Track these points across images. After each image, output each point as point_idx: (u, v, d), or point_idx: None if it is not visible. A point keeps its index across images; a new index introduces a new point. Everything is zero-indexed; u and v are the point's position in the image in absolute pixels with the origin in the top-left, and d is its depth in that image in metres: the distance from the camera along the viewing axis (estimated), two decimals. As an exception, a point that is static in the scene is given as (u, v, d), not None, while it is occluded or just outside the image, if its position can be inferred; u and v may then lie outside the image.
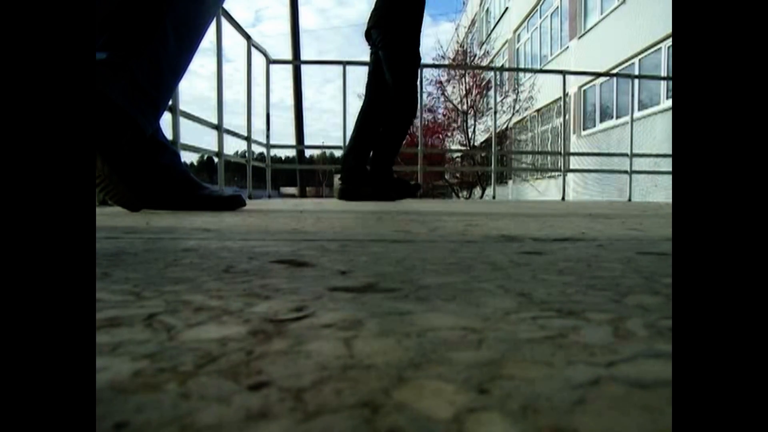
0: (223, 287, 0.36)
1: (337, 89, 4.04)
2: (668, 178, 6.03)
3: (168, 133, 2.25)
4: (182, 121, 2.56)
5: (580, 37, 10.67)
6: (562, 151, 4.96)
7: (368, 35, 2.80)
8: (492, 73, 5.32)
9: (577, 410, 0.17)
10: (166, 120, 2.42)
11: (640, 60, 8.44)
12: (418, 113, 3.39)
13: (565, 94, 4.78)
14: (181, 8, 1.35)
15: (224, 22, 3.00)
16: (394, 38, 2.67)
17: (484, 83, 12.81)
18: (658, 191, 6.69)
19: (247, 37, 3.61)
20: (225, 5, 2.74)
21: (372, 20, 2.74)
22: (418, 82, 2.93)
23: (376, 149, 2.84)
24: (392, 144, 2.83)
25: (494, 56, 15.77)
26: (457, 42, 15.48)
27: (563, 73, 4.61)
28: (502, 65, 14.67)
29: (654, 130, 7.27)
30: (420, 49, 2.78)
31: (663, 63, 7.78)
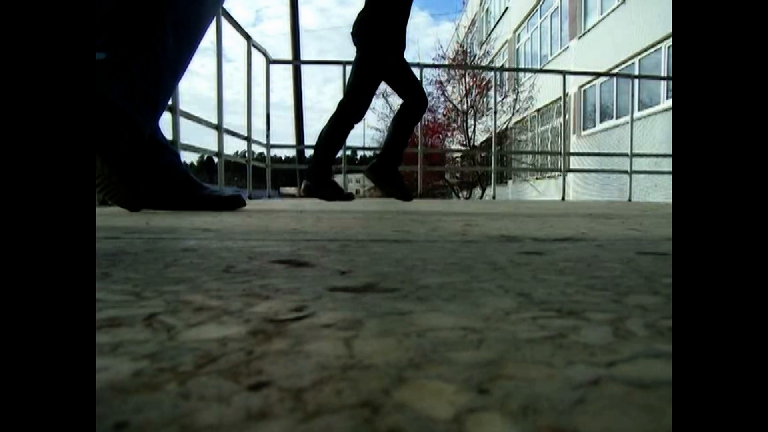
0: (223, 287, 0.36)
1: (338, 89, 4.05)
2: (668, 178, 6.03)
3: (168, 133, 2.25)
4: (182, 121, 2.56)
5: (580, 37, 10.66)
6: (562, 151, 4.96)
7: (353, 36, 2.78)
8: (492, 73, 5.32)
9: (577, 410, 0.17)
10: (166, 120, 2.42)
11: (640, 60, 8.44)
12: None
13: (565, 94, 4.78)
14: (180, 8, 1.34)
15: (224, 22, 3.00)
16: (369, 44, 2.65)
17: (484, 83, 12.80)
18: (658, 191, 6.69)
19: (247, 37, 3.61)
20: (225, 5, 2.74)
21: (356, 24, 2.73)
22: (372, 90, 2.87)
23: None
24: (334, 143, 2.80)
25: (494, 56, 15.77)
26: (457, 42, 15.48)
27: (563, 73, 4.62)
28: (502, 65, 14.66)
29: (654, 130, 7.27)
30: (400, 54, 2.73)
31: (663, 63, 7.78)
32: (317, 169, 2.79)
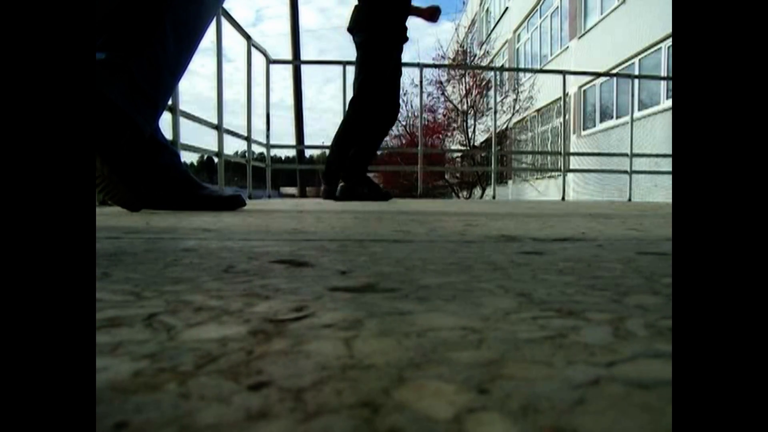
0: (223, 287, 0.36)
1: (338, 89, 4.05)
2: (668, 178, 6.03)
3: (168, 133, 2.25)
4: (182, 121, 2.56)
5: (580, 37, 10.66)
6: (562, 151, 4.96)
7: (351, 32, 2.74)
8: (492, 73, 5.32)
9: (577, 410, 0.17)
10: (166, 120, 2.42)
11: (640, 60, 8.44)
12: (418, 113, 3.36)
13: (565, 94, 4.78)
14: (180, 8, 1.34)
15: (224, 22, 2.99)
16: (372, 41, 2.62)
17: (484, 83, 12.80)
18: (658, 191, 6.68)
19: (247, 37, 3.60)
20: (225, 5, 2.74)
21: (353, 19, 2.69)
22: (400, 89, 2.84)
23: (353, 149, 2.78)
24: (364, 146, 2.75)
25: (494, 56, 15.76)
26: (457, 42, 15.46)
27: (563, 73, 4.61)
28: (502, 65, 14.66)
29: (654, 130, 7.26)
30: (400, 55, 2.72)
31: (663, 63, 7.78)
32: (354, 171, 2.70)
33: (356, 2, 2.69)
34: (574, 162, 8.92)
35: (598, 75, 8.13)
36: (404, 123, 13.16)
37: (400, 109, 2.97)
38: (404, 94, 14.47)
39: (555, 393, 0.18)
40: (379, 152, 3.00)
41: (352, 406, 0.17)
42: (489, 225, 1.03)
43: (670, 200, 1.40)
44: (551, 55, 12.36)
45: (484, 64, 14.42)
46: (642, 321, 0.28)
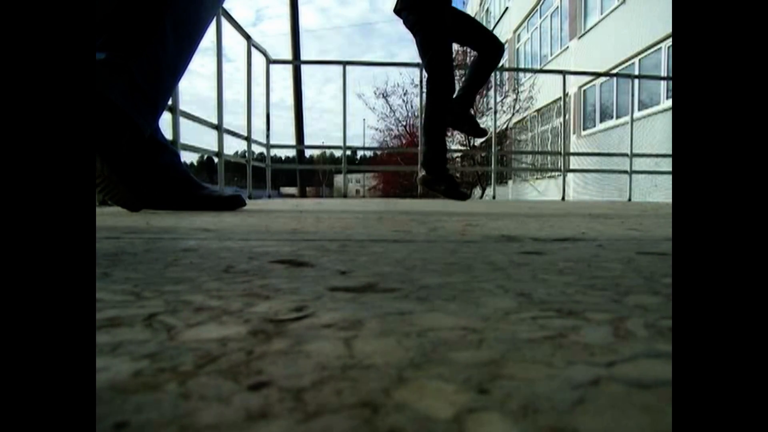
0: (223, 287, 0.36)
1: (338, 89, 4.05)
2: (668, 178, 6.03)
3: (168, 133, 2.25)
4: (182, 121, 2.56)
5: (580, 37, 10.66)
6: (562, 151, 4.96)
7: (398, 14, 2.77)
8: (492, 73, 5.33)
9: (577, 410, 0.17)
10: (166, 120, 2.42)
11: (640, 60, 8.44)
12: (418, 113, 3.37)
13: (565, 94, 4.78)
14: (180, 8, 1.34)
15: (224, 22, 2.99)
16: (422, 21, 2.64)
17: (484, 83, 12.79)
18: (658, 191, 6.68)
19: (247, 37, 3.61)
20: (225, 5, 2.74)
21: (398, 2, 2.71)
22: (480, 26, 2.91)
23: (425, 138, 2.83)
24: (435, 131, 2.80)
25: (494, 56, 15.73)
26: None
27: (563, 73, 4.61)
28: (502, 65, 14.64)
29: (654, 130, 7.26)
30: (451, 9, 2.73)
31: (663, 63, 7.78)
32: (432, 157, 2.76)
33: None
34: (574, 162, 8.91)
35: (598, 75, 8.13)
36: (404, 123, 13.13)
37: (402, 109, 3.00)
38: (404, 94, 14.43)
39: (555, 393, 0.18)
40: (379, 152, 3.03)
41: (352, 406, 0.17)
42: (489, 225, 1.03)
43: (670, 200, 1.40)
44: (551, 55, 12.36)
45: (483, 64, 14.38)
46: (642, 321, 0.28)
